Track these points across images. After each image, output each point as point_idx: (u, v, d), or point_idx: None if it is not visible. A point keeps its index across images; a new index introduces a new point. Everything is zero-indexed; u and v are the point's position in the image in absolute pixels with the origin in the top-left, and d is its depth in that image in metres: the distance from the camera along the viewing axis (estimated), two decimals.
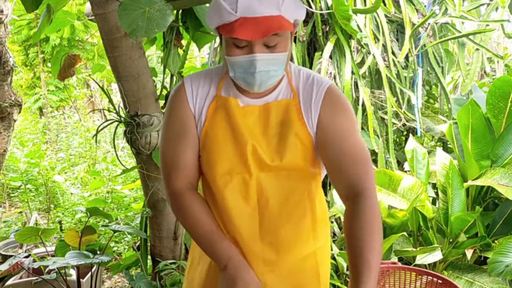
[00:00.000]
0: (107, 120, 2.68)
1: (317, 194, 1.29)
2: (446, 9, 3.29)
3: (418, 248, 2.27)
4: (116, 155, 2.71)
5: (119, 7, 1.95)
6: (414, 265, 2.35)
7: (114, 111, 2.53)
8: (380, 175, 2.47)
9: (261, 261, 1.22)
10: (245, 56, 1.11)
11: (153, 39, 3.02)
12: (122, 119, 2.61)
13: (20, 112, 4.34)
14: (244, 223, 1.21)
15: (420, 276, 1.15)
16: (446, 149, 3.51)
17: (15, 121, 4.28)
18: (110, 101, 2.60)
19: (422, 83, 3.32)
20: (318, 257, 1.27)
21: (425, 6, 3.27)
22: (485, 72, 4.69)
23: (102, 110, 7.49)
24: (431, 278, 1.16)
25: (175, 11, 2.69)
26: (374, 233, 1.11)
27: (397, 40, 3.30)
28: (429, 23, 3.00)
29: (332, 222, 2.90)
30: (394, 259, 2.16)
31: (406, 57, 3.28)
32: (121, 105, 2.60)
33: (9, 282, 2.61)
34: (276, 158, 1.18)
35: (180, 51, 2.82)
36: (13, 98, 4.13)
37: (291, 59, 2.92)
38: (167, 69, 2.72)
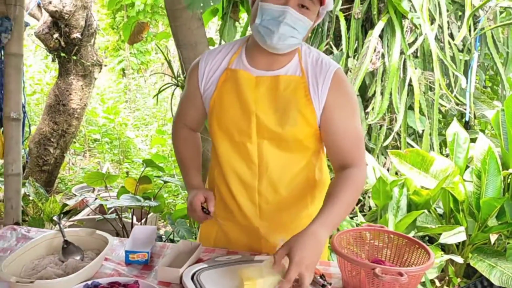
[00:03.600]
0: (166, 84, 2.96)
1: (317, 164, 1.41)
2: None
3: (437, 226, 2.33)
4: (172, 116, 2.99)
5: None
6: (436, 244, 2.42)
7: (172, 76, 2.80)
8: (413, 154, 2.52)
9: (258, 210, 1.39)
10: (279, 5, 1.20)
11: (215, 10, 3.23)
12: (180, 83, 2.87)
13: (100, 71, 4.80)
14: (244, 183, 1.36)
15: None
16: None
17: (95, 79, 4.75)
18: (170, 66, 2.86)
19: (479, 67, 3.24)
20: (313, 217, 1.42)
21: None
22: None
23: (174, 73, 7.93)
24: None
25: None
26: (353, 197, 1.26)
27: (459, 22, 3.22)
28: (489, 6, 2.91)
29: None
30: (412, 233, 2.25)
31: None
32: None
33: (77, 217, 3.05)
34: (278, 128, 1.29)
35: (237, 24, 3.01)
36: (95, 59, 4.57)
37: (340, 38, 2.99)
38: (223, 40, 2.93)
